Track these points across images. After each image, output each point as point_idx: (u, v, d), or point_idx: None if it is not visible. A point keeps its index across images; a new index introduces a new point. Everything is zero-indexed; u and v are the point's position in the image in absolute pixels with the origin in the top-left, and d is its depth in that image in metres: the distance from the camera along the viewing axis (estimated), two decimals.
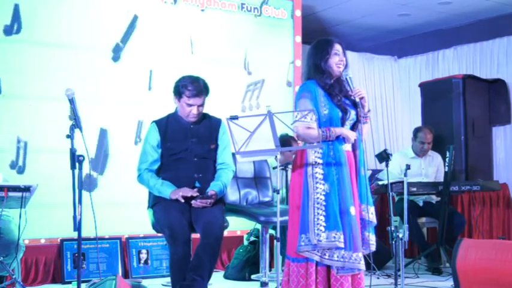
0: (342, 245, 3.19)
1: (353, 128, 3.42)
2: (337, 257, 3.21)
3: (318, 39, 3.50)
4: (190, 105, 3.80)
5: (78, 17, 5.14)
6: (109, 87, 5.24)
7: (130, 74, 5.33)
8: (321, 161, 3.30)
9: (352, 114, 3.38)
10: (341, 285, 3.22)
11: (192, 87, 3.77)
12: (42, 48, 4.98)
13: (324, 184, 3.27)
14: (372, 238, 3.39)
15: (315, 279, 3.27)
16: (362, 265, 3.24)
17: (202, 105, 3.83)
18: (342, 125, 3.34)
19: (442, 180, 5.48)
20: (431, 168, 5.82)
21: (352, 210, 3.26)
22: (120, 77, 5.29)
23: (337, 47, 3.40)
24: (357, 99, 3.36)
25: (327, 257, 3.23)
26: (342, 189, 3.26)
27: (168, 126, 3.88)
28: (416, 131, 5.86)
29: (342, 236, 3.19)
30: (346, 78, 3.38)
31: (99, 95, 5.18)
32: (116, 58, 5.27)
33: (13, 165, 4.79)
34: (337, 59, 3.38)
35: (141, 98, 5.36)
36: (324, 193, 3.25)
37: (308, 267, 3.27)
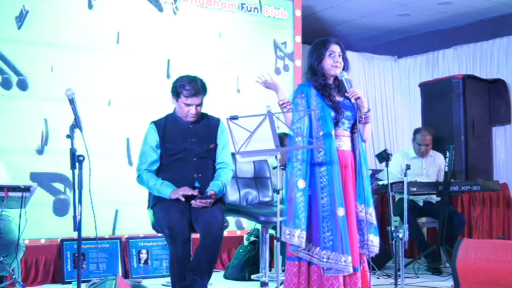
0: (302, 245, 3.20)
1: (352, 128, 3.42)
2: (324, 257, 3.22)
3: (317, 39, 3.50)
4: (189, 105, 3.80)
5: (79, 17, 5.14)
6: (109, 85, 5.25)
7: (130, 74, 5.34)
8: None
9: (348, 114, 3.38)
10: (331, 285, 3.23)
11: (189, 87, 3.77)
12: (43, 48, 4.99)
13: (308, 183, 3.28)
14: (374, 240, 3.36)
15: (307, 278, 3.29)
16: (350, 268, 3.22)
17: (200, 104, 3.83)
18: (336, 124, 3.35)
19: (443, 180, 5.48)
20: (433, 168, 5.82)
21: (340, 211, 3.25)
22: (120, 77, 5.30)
23: (333, 48, 3.40)
24: (353, 101, 3.36)
25: (316, 257, 3.25)
26: (332, 189, 3.26)
27: (166, 126, 3.88)
28: (415, 132, 5.85)
29: (303, 236, 3.20)
30: (341, 80, 3.39)
31: (99, 95, 5.19)
32: (116, 58, 5.28)
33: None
34: (331, 61, 3.39)
35: (138, 98, 5.37)
36: (309, 193, 3.28)
37: (300, 265, 3.30)
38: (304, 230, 3.23)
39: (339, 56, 3.41)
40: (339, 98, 3.41)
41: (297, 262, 3.31)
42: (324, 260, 3.22)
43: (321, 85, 3.39)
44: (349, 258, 3.22)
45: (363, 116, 3.38)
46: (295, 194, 3.26)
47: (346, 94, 3.38)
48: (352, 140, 3.43)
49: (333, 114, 3.35)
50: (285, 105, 3.35)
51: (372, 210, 3.38)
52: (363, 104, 3.36)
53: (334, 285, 3.22)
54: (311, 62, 3.43)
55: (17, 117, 4.87)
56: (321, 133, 3.30)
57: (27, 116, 4.91)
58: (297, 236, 3.21)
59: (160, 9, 5.50)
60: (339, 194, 3.27)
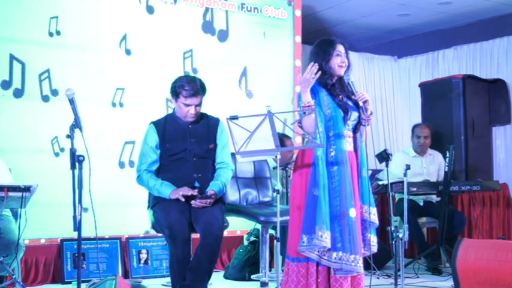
0: (328, 245, 3.17)
1: (355, 129, 3.42)
2: (335, 258, 3.21)
3: (320, 38, 3.49)
4: (188, 105, 3.80)
5: (80, 17, 5.14)
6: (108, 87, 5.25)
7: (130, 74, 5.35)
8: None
9: (354, 115, 3.39)
10: (340, 285, 3.22)
11: (188, 87, 3.77)
12: (44, 48, 4.99)
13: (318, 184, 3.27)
14: (374, 239, 3.38)
15: (316, 279, 3.26)
16: (360, 268, 3.22)
17: (199, 104, 3.84)
18: (344, 124, 3.35)
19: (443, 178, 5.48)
20: (433, 166, 5.83)
21: (352, 212, 3.24)
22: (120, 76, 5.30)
23: (340, 48, 3.40)
24: (361, 103, 3.36)
25: (325, 258, 3.23)
26: (342, 189, 3.26)
27: (166, 127, 3.88)
28: (414, 127, 5.95)
29: (328, 237, 3.18)
30: (348, 83, 3.39)
31: (99, 95, 5.19)
32: (116, 58, 5.28)
33: None
34: (338, 60, 3.38)
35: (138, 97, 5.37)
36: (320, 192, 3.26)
37: (309, 267, 3.26)
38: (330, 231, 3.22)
39: (344, 56, 3.42)
40: (344, 98, 3.42)
41: (305, 263, 3.27)
42: (335, 260, 3.21)
43: (329, 84, 3.39)
44: (359, 258, 3.22)
45: (366, 119, 3.38)
46: (319, 194, 3.21)
47: (353, 97, 3.38)
48: (355, 140, 3.43)
49: (342, 114, 3.35)
50: (308, 107, 3.26)
51: (375, 210, 3.40)
52: (368, 107, 3.37)
53: (344, 285, 3.22)
54: (317, 61, 3.38)
55: (18, 117, 4.88)
56: (331, 133, 3.30)
57: (28, 116, 4.92)
58: (326, 237, 3.18)
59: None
60: (350, 195, 3.26)
